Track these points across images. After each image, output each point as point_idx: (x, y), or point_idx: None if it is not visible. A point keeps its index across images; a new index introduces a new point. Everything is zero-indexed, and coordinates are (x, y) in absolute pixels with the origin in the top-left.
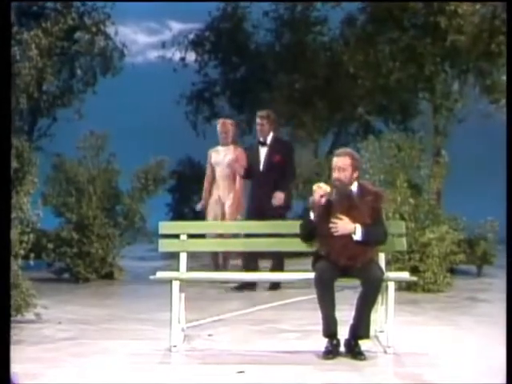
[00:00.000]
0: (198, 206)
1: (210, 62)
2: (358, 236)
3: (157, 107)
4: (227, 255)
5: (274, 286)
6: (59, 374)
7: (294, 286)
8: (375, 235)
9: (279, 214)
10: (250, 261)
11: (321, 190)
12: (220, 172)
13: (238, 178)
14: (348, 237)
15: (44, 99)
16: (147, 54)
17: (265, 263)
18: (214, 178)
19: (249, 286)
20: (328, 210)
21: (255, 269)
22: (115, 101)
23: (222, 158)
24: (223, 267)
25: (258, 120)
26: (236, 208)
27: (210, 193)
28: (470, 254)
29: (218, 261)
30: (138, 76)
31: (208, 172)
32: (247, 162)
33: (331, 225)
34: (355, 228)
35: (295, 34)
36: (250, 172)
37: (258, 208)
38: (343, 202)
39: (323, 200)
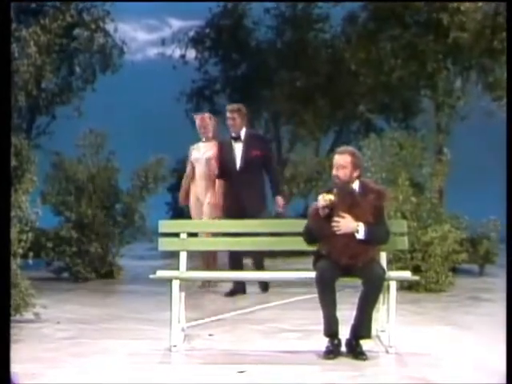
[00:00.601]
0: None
1: (210, 59)
2: (361, 234)
3: (157, 105)
4: (215, 255)
5: (265, 287)
6: (59, 374)
7: (294, 285)
8: (378, 234)
9: (257, 214)
10: (236, 261)
11: (325, 201)
12: (199, 170)
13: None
14: (350, 236)
15: (43, 97)
16: (147, 52)
17: (265, 262)
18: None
19: (239, 290)
20: (328, 208)
21: (241, 269)
22: (115, 98)
23: (201, 154)
24: (213, 267)
25: (228, 114)
26: (214, 207)
27: (187, 192)
28: (472, 253)
29: (208, 260)
30: (137, 73)
31: (188, 170)
32: (221, 159)
33: (334, 223)
34: (358, 226)
35: (296, 31)
36: (225, 171)
37: (234, 208)
38: (345, 201)
39: (326, 211)
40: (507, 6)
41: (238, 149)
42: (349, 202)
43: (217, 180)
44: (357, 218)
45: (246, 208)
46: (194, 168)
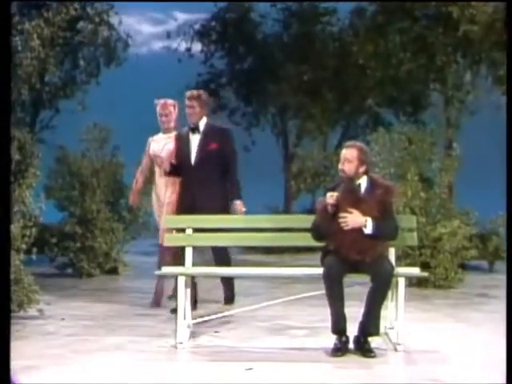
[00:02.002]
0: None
1: (216, 52)
2: (368, 229)
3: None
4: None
5: (229, 299)
6: (63, 371)
7: (302, 281)
8: (386, 229)
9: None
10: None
11: (332, 199)
12: (157, 166)
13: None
14: (358, 231)
15: (46, 90)
16: (152, 45)
17: (272, 258)
18: (152, 172)
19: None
20: (336, 205)
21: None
22: (119, 92)
23: (161, 148)
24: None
25: (186, 102)
26: (174, 208)
27: (139, 190)
28: (481, 249)
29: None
30: (142, 67)
31: (143, 164)
32: (177, 153)
33: (341, 219)
34: (366, 221)
35: (303, 24)
36: (179, 166)
37: (190, 209)
38: (348, 197)
39: (334, 208)
40: (507, 6)
41: (195, 141)
42: (353, 199)
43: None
44: (363, 214)
45: (199, 210)
46: (152, 163)
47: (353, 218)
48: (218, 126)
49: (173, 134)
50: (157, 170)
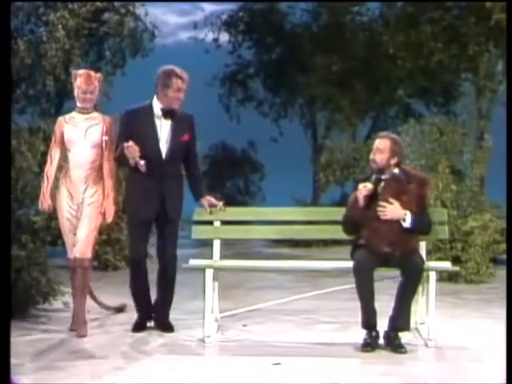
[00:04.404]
0: (40, 206)
1: (243, 42)
2: (407, 223)
3: (188, 90)
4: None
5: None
6: (88, 365)
7: (330, 275)
8: (423, 224)
9: (176, 221)
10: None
11: (367, 190)
12: (76, 156)
13: (107, 165)
14: (392, 223)
15: (71, 81)
16: (179, 35)
17: (300, 251)
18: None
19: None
20: (373, 194)
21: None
22: (145, 83)
23: (83, 132)
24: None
25: (179, 83)
26: (100, 211)
27: (52, 184)
28: None
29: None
30: (168, 58)
31: (53, 153)
32: (139, 142)
33: (380, 208)
34: (405, 215)
35: (333, 14)
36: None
37: (157, 215)
38: (394, 186)
39: (366, 200)
40: (507, 6)
41: (166, 129)
42: (396, 189)
43: (109, 172)
44: (402, 206)
45: (168, 216)
46: (65, 151)
47: (393, 209)
48: (186, 112)
49: (96, 116)
50: (73, 160)
